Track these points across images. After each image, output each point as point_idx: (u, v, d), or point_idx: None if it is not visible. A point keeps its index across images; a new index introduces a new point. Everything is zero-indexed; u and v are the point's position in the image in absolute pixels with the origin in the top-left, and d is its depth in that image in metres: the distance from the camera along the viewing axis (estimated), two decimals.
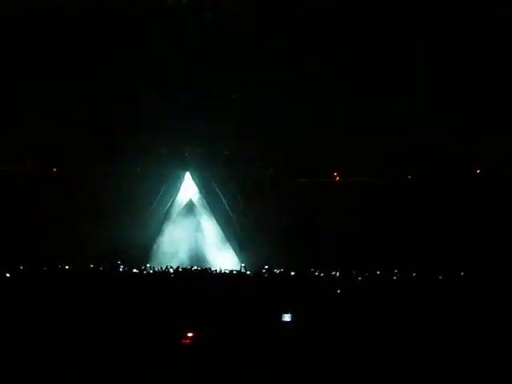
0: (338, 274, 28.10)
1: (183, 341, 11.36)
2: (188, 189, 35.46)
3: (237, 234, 33.22)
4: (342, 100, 30.13)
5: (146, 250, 32.66)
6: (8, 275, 22.31)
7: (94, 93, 30.26)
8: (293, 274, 26.71)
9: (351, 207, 31.48)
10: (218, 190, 33.83)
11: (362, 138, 30.49)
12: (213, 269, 30.06)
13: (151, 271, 29.52)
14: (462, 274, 26.20)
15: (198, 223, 35.12)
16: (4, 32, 28.22)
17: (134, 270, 28.44)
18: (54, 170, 33.66)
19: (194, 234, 34.91)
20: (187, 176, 35.40)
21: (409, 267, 27.64)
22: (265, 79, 30.06)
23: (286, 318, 13.70)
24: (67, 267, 27.64)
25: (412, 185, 32.13)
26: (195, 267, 30.47)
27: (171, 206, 34.99)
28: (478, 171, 31.75)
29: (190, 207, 35.42)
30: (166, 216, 34.67)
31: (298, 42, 29.20)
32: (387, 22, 28.50)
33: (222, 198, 33.75)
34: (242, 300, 16.75)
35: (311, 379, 9.19)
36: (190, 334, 11.42)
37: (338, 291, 18.96)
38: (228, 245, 33.77)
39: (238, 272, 28.93)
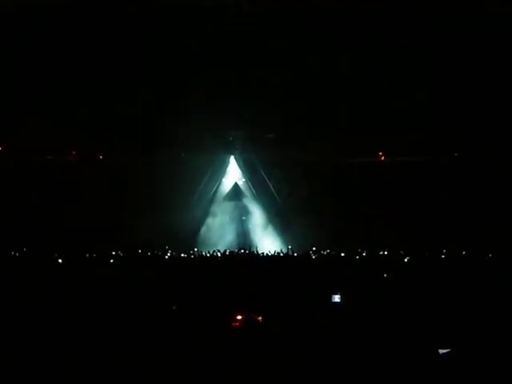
0: (385, 253, 27.96)
1: (233, 323, 11.43)
2: (233, 173, 35.64)
3: (282, 216, 33.25)
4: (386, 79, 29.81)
5: (193, 235, 32.95)
6: (60, 261, 22.75)
7: (138, 80, 30.49)
8: (342, 255, 26.61)
9: (397, 187, 31.21)
10: (263, 173, 33.90)
11: (407, 117, 30.17)
12: (259, 251, 30.16)
13: (199, 255, 29.80)
14: None
15: (244, 206, 35.28)
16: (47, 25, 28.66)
17: (182, 255, 28.72)
18: (100, 157, 34.10)
19: (239, 217, 35.09)
20: (232, 160, 35.53)
21: (457, 247, 27.34)
22: (305, 68, 30.07)
23: (336, 298, 13.67)
24: (116, 253, 28.03)
25: (459, 163, 31.68)
26: (242, 250, 30.60)
27: (217, 190, 35.21)
28: None
29: (235, 191, 35.58)
30: (212, 200, 34.91)
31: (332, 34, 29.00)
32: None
33: (267, 180, 33.82)
34: (291, 282, 16.76)
35: (363, 361, 9.17)
36: (239, 317, 11.48)
37: (385, 275, 18.77)
38: (274, 227, 33.84)
39: (286, 254, 28.91)
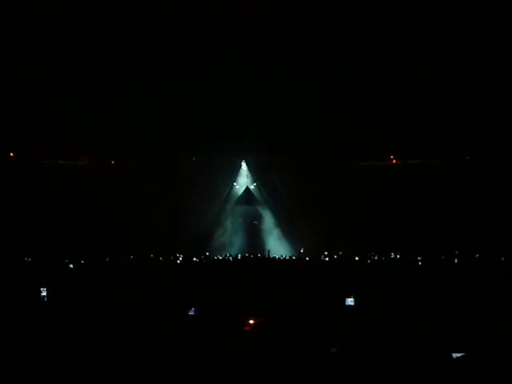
0: (397, 257, 27.90)
1: (245, 328, 11.41)
2: (245, 177, 35.66)
3: (294, 220, 33.20)
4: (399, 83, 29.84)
5: (205, 239, 32.94)
6: (71, 266, 22.81)
7: (150, 84, 30.62)
8: (357, 259, 26.58)
9: (408, 190, 31.13)
10: (274, 177, 33.89)
11: (418, 119, 30.15)
12: (272, 255, 30.18)
13: (210, 260, 29.85)
14: None
15: (255, 211, 35.27)
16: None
17: (194, 259, 28.77)
18: (112, 162, 34.21)
19: (251, 221, 35.09)
20: (243, 164, 35.56)
21: (470, 249, 27.22)
22: (315, 71, 30.21)
23: (349, 301, 13.63)
24: (129, 258, 28.12)
25: (471, 166, 31.55)
26: (254, 255, 30.63)
27: (228, 194, 35.23)
28: None
29: (246, 195, 35.58)
30: (224, 204, 34.93)
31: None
32: None
33: (279, 185, 33.80)
34: (303, 285, 16.75)
35: (375, 363, 9.15)
36: (251, 321, 11.45)
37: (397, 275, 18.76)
38: (285, 231, 33.80)
39: (298, 258, 28.94)
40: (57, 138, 30.46)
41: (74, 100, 29.74)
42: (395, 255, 28.04)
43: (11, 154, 32.21)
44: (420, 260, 25.23)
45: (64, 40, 29.29)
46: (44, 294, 13.47)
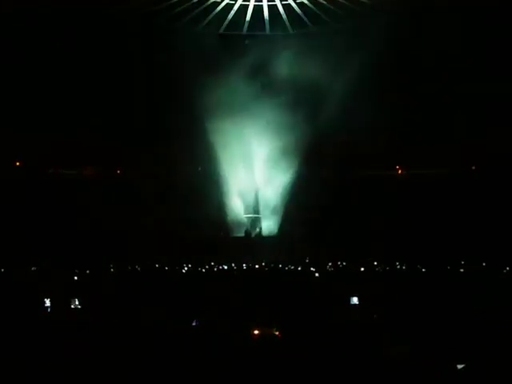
0: (403, 267, 27.78)
1: (251, 336, 11.36)
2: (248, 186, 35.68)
3: (300, 230, 33.12)
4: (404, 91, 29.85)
5: (209, 249, 32.90)
6: (76, 278, 22.78)
7: (154, 95, 30.76)
8: (362, 269, 26.53)
9: (414, 200, 31.09)
10: (280, 186, 33.89)
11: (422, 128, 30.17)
12: (277, 265, 30.12)
13: (215, 269, 29.82)
14: None
15: (261, 221, 35.27)
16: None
17: (199, 269, 28.73)
18: (118, 171, 34.27)
19: (256, 229, 35.09)
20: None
21: (476, 259, 27.11)
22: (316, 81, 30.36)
23: (354, 301, 13.94)
24: (132, 268, 28.10)
25: (477, 176, 31.50)
26: (259, 264, 30.59)
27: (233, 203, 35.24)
28: None
29: (252, 205, 35.57)
30: (229, 214, 34.93)
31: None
32: None
33: (285, 194, 33.80)
34: (309, 294, 16.72)
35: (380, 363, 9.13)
36: (256, 332, 11.40)
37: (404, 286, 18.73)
38: (291, 241, 33.71)
39: (303, 267, 28.87)
40: (61, 147, 30.61)
41: (77, 110, 29.92)
42: (401, 265, 27.93)
43: (16, 164, 32.33)
44: (425, 270, 25.14)
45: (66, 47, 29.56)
46: (48, 304, 13.42)
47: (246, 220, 35.64)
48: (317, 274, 24.23)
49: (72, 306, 14.56)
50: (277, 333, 11.45)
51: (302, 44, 32.24)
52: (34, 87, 29.53)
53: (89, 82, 30.44)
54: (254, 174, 35.65)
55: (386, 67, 29.97)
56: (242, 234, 35.06)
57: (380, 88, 30.17)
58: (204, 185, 32.84)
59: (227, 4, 32.31)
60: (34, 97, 29.58)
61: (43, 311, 13.34)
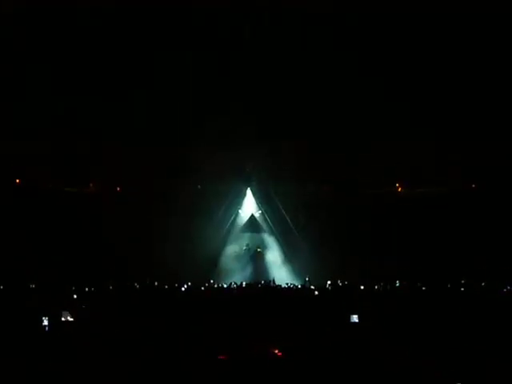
0: (403, 285, 27.72)
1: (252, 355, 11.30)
2: (250, 204, 35.63)
3: (299, 248, 33.07)
4: (402, 107, 29.87)
5: (210, 266, 32.86)
6: (75, 296, 22.71)
7: (154, 112, 30.81)
8: (362, 288, 26.46)
9: (415, 218, 31.05)
10: (279, 205, 33.85)
11: (424, 145, 30.17)
12: (276, 283, 30.04)
13: (215, 287, 29.74)
14: None
15: (260, 238, 35.21)
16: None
17: (198, 287, 28.64)
18: (118, 189, 34.26)
19: (256, 248, 35.03)
20: (248, 192, 35.55)
21: (477, 277, 27.05)
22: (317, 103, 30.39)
23: (354, 318, 13.97)
24: (133, 285, 28.02)
25: (477, 194, 31.47)
26: (259, 282, 30.51)
27: (233, 221, 35.18)
28: None
29: (251, 223, 35.53)
30: (229, 232, 34.87)
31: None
32: None
33: (284, 212, 33.75)
34: (307, 314, 16.65)
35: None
36: (256, 351, 11.34)
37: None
38: (290, 259, 33.66)
39: (303, 286, 28.80)
40: (63, 164, 30.65)
41: (79, 126, 29.99)
42: (401, 283, 27.86)
43: (17, 181, 32.33)
44: (425, 288, 25.08)
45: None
46: (45, 323, 13.36)
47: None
48: (316, 292, 24.17)
49: (63, 319, 14.57)
50: (278, 352, 11.41)
51: None
52: (31, 107, 29.60)
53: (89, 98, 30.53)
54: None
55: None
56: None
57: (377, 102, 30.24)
58: (204, 202, 32.81)
59: None
60: (34, 115, 29.61)
61: (41, 329, 13.28)
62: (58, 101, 29.57)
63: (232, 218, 35.16)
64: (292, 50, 29.45)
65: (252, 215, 35.63)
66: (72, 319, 14.73)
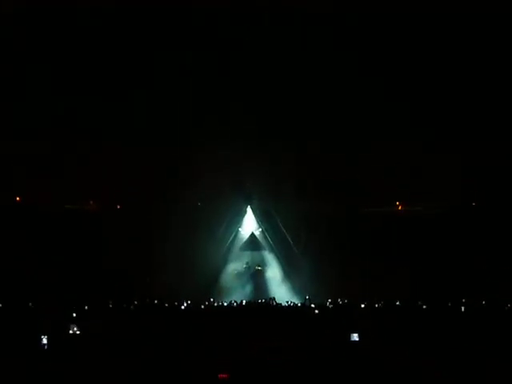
0: (403, 304, 27.64)
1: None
2: (250, 222, 35.64)
3: (299, 266, 33.01)
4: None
5: (210, 284, 32.80)
6: (74, 315, 22.61)
7: (154, 129, 30.88)
8: (362, 306, 26.41)
9: (415, 236, 31.01)
10: (279, 223, 33.85)
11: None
12: (276, 302, 29.96)
13: (215, 305, 29.68)
14: None
15: (261, 256, 35.18)
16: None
17: (198, 305, 28.58)
18: (118, 206, 34.26)
19: (256, 267, 34.99)
20: (249, 210, 35.57)
21: (477, 296, 26.97)
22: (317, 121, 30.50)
23: (354, 337, 13.98)
24: (133, 304, 27.93)
25: (477, 212, 31.45)
26: (259, 300, 30.43)
27: (234, 239, 35.16)
28: None
29: (252, 241, 35.50)
30: (229, 250, 34.84)
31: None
32: None
33: (284, 231, 33.75)
34: (307, 332, 16.61)
35: None
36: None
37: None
38: (290, 277, 33.60)
39: (303, 304, 28.71)
40: (63, 182, 30.65)
41: (79, 145, 30.02)
42: (401, 302, 27.78)
43: (17, 199, 32.34)
44: (426, 307, 25.01)
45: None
46: (44, 342, 13.33)
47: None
48: (316, 311, 24.11)
49: (71, 332, 14.58)
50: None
51: None
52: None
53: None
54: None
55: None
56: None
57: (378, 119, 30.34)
58: (205, 220, 32.81)
59: None
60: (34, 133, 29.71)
61: (40, 348, 13.25)
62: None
63: (232, 236, 35.14)
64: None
65: (252, 233, 35.61)
66: (79, 332, 14.83)
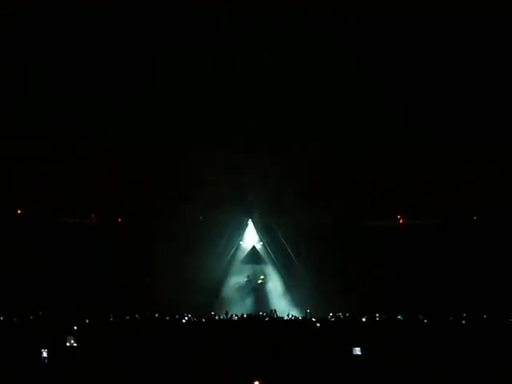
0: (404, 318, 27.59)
1: None
2: (251, 236, 35.62)
3: (300, 279, 32.96)
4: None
5: (210, 297, 32.75)
6: (75, 328, 22.57)
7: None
8: (364, 320, 26.35)
9: (415, 250, 30.96)
10: (281, 236, 33.84)
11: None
12: (278, 315, 29.90)
13: (216, 318, 29.61)
14: None
15: (262, 269, 35.13)
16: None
17: (199, 318, 28.53)
18: (119, 220, 34.25)
19: (257, 280, 34.94)
20: (250, 223, 35.56)
21: (478, 310, 26.91)
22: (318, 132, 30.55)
23: (357, 351, 13.97)
24: (134, 317, 27.89)
25: (477, 226, 31.41)
26: (260, 313, 30.38)
27: (235, 253, 35.13)
28: None
29: (253, 254, 35.47)
30: (230, 263, 34.81)
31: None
32: None
33: (285, 244, 33.72)
34: (307, 347, 16.57)
35: None
36: (256, 383, 11.28)
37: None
38: (291, 290, 33.55)
39: (304, 318, 28.66)
40: (64, 195, 30.67)
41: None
42: (402, 316, 27.72)
43: (18, 212, 32.35)
44: (427, 321, 24.96)
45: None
46: (45, 355, 13.29)
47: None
48: (318, 324, 24.06)
49: (68, 344, 14.55)
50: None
51: None
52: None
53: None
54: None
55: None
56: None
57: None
58: (206, 233, 32.84)
59: None
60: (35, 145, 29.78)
61: (40, 361, 13.23)
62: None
63: (233, 249, 35.11)
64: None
65: (253, 247, 35.58)
66: (76, 344, 14.80)
